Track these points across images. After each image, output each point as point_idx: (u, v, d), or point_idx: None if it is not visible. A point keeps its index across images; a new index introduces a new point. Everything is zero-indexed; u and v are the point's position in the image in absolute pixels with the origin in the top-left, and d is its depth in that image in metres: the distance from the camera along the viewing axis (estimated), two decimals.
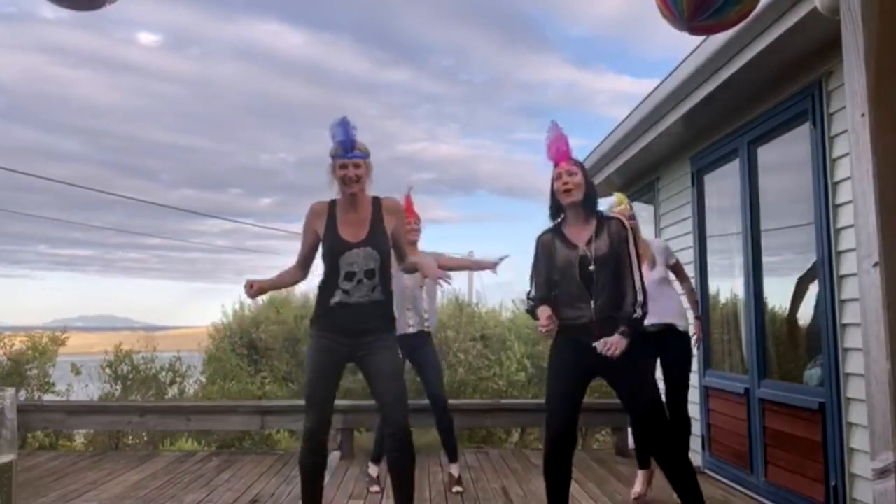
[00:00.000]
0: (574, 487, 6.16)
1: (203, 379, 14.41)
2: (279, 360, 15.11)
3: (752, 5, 3.27)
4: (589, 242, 4.33)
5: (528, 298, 4.48)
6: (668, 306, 5.54)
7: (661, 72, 6.46)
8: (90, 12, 3.60)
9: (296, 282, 4.78)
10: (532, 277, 4.49)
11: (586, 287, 4.28)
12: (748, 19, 3.54)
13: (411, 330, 6.07)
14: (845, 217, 4.68)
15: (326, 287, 4.46)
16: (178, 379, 13.39)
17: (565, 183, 4.35)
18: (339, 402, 8.71)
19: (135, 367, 12.96)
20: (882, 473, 2.81)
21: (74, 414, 8.42)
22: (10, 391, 3.39)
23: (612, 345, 4.07)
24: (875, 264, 2.85)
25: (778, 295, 5.89)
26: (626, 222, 4.46)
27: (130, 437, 11.74)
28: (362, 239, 4.39)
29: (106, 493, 6.10)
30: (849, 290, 4.66)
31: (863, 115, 2.94)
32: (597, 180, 8.87)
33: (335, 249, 4.41)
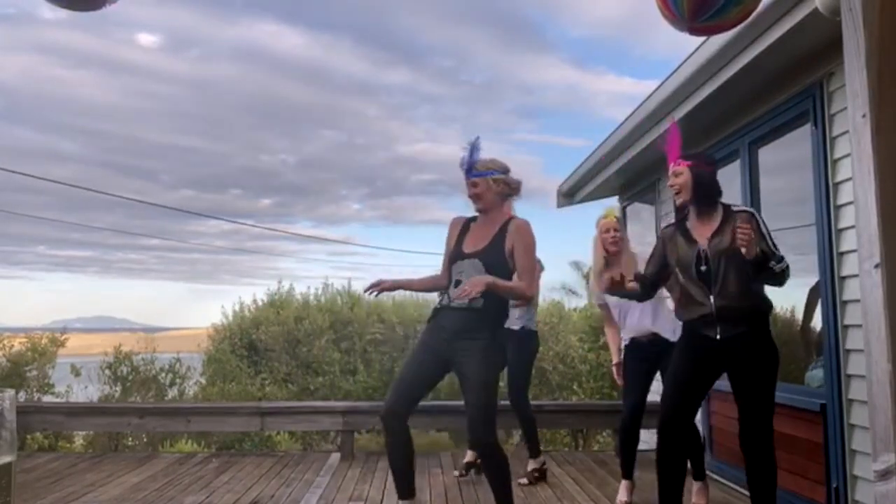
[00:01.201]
0: (574, 488, 6.19)
1: (203, 380, 14.45)
2: (279, 361, 15.13)
3: (753, 6, 3.26)
4: (712, 237, 4.37)
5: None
6: (663, 325, 5.53)
7: (661, 73, 6.44)
8: (89, 13, 3.59)
9: (437, 287, 4.80)
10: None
11: (704, 283, 4.34)
12: (749, 20, 3.53)
13: (514, 326, 6.27)
14: (846, 218, 4.66)
15: (442, 292, 4.70)
16: (177, 380, 13.43)
17: (671, 185, 4.51)
18: (337, 404, 8.77)
19: (134, 369, 12.99)
20: (884, 475, 2.80)
21: (74, 415, 8.40)
22: (10, 392, 3.37)
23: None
24: (876, 265, 2.84)
25: (779, 296, 5.87)
26: (755, 217, 4.41)
27: (130, 439, 11.76)
28: (478, 250, 4.53)
29: (105, 494, 6.09)
30: (850, 291, 4.65)
31: (864, 115, 2.93)
32: (597, 181, 8.87)
33: (451, 257, 4.65)
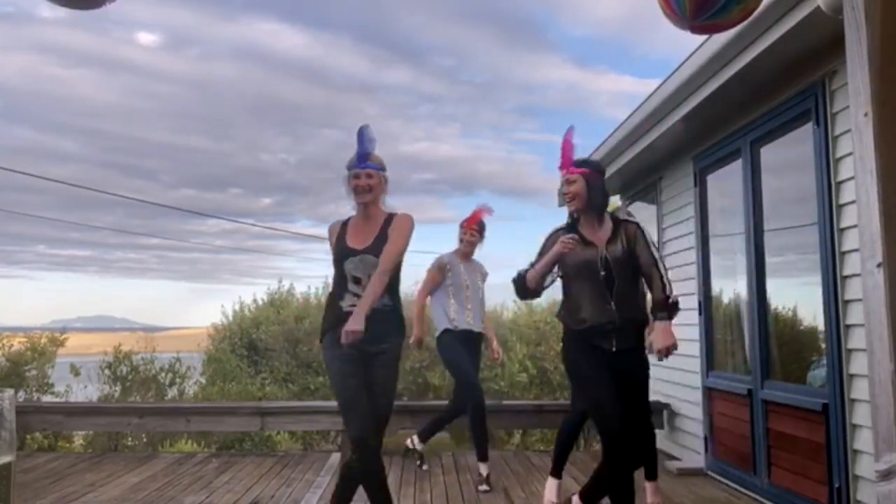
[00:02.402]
0: (575, 488, 6.14)
1: (203, 380, 14.42)
2: (279, 360, 15.10)
3: (754, 4, 3.25)
4: (608, 243, 4.41)
5: (519, 273, 4.54)
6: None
7: (662, 72, 6.45)
8: (88, 12, 3.58)
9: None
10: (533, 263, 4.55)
11: (608, 287, 4.35)
12: (751, 18, 3.52)
13: (477, 329, 6.65)
14: (849, 217, 4.65)
15: (337, 293, 4.51)
16: (177, 380, 13.40)
17: (566, 193, 4.52)
18: (336, 404, 8.74)
19: (134, 368, 12.97)
20: (886, 475, 2.80)
21: (73, 415, 8.39)
22: (9, 392, 3.36)
23: (665, 336, 4.20)
24: (878, 265, 2.84)
25: (781, 295, 5.87)
26: (641, 227, 4.52)
27: (130, 439, 11.74)
28: (367, 246, 4.45)
29: (105, 494, 6.08)
30: (852, 290, 4.64)
31: (866, 114, 2.92)
32: None
33: (340, 254, 4.50)
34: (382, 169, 4.55)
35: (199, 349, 16.03)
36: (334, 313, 4.48)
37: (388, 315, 4.45)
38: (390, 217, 4.56)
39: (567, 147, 4.58)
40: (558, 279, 4.60)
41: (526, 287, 4.52)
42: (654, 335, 4.27)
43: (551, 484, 5.68)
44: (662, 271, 4.37)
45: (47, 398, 12.01)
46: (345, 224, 4.63)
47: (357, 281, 4.43)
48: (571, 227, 4.49)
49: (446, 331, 6.56)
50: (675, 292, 4.36)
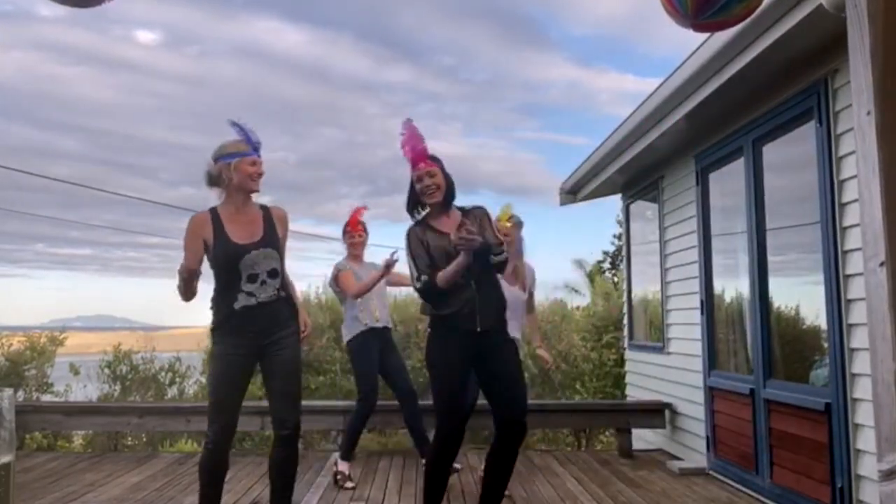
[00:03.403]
0: (577, 488, 6.16)
1: (203, 379, 14.39)
2: None
3: (756, 2, 3.24)
4: (458, 230, 4.40)
5: (419, 281, 4.50)
6: (516, 326, 5.73)
7: (664, 70, 6.43)
8: (87, 9, 3.57)
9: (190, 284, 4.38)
10: (415, 265, 4.53)
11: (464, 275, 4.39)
12: (753, 16, 3.51)
13: (379, 325, 6.62)
14: (851, 216, 4.64)
15: (227, 292, 4.36)
16: (177, 379, 13.39)
17: (427, 186, 4.52)
18: (336, 403, 8.75)
19: (134, 368, 12.96)
20: (889, 475, 2.79)
21: (73, 415, 8.38)
22: (8, 392, 3.34)
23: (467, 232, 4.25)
24: (881, 263, 2.83)
25: (783, 294, 5.86)
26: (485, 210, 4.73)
27: (129, 439, 11.73)
28: (258, 240, 4.37)
29: (105, 494, 6.06)
30: (855, 289, 4.63)
31: (869, 112, 2.91)
32: (599, 179, 8.86)
33: (231, 254, 4.31)
34: None
35: (199, 348, 16.00)
36: (225, 314, 4.37)
37: (286, 302, 4.51)
38: (263, 207, 4.52)
39: (418, 138, 4.60)
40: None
41: (439, 290, 4.45)
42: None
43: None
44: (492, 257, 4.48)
45: (47, 398, 12.00)
46: (215, 217, 4.40)
47: (254, 278, 4.34)
48: (423, 221, 4.60)
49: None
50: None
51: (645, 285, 9.16)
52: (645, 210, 8.97)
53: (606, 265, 20.25)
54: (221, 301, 4.38)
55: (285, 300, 4.47)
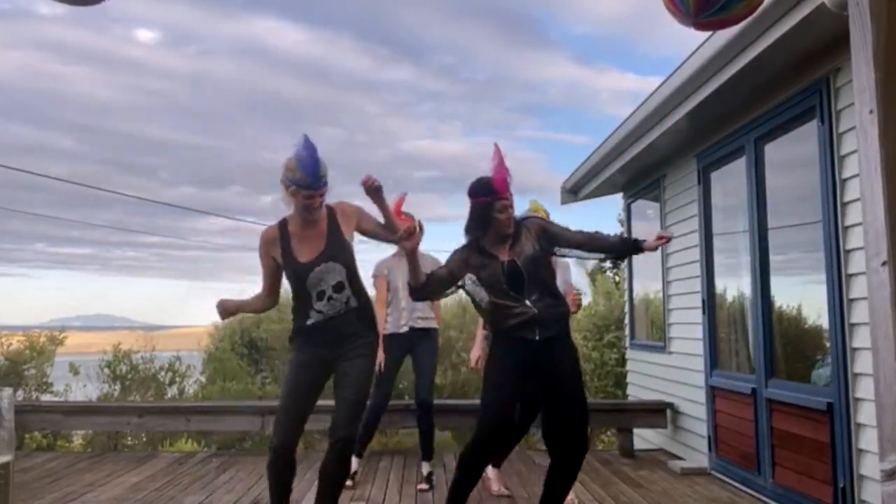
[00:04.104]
0: (578, 488, 6.14)
1: (203, 379, 14.41)
2: (280, 359, 15.09)
3: (758, 1, 3.23)
4: (512, 247, 4.44)
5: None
6: None
7: (665, 69, 6.42)
8: (87, 8, 3.56)
9: (266, 308, 4.74)
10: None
11: (517, 290, 4.39)
12: (754, 15, 3.49)
13: (404, 329, 6.41)
14: (853, 215, 4.62)
15: (300, 307, 4.45)
16: (177, 379, 13.41)
17: (508, 218, 4.45)
18: None
19: (133, 367, 12.97)
20: (891, 475, 2.78)
21: (72, 414, 8.37)
22: (8, 391, 3.33)
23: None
24: (884, 263, 2.82)
25: (785, 294, 5.84)
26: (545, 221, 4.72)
27: (129, 438, 11.73)
28: (320, 254, 4.34)
29: (104, 494, 6.05)
30: (857, 288, 4.61)
31: (871, 111, 2.91)
32: (600, 179, 8.86)
33: (298, 274, 4.36)
34: (327, 181, 4.33)
35: (199, 348, 16.04)
36: (299, 327, 4.48)
37: (357, 313, 4.46)
38: (330, 211, 4.44)
39: (505, 168, 4.50)
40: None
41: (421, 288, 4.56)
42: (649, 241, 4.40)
43: (496, 473, 5.99)
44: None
45: (46, 397, 12.02)
46: (284, 233, 4.44)
47: (322, 296, 4.37)
48: (473, 244, 4.55)
49: None
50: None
51: (646, 284, 9.15)
52: (646, 209, 8.95)
53: (608, 264, 20.23)
54: (296, 314, 4.48)
55: (356, 310, 4.43)
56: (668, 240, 4.43)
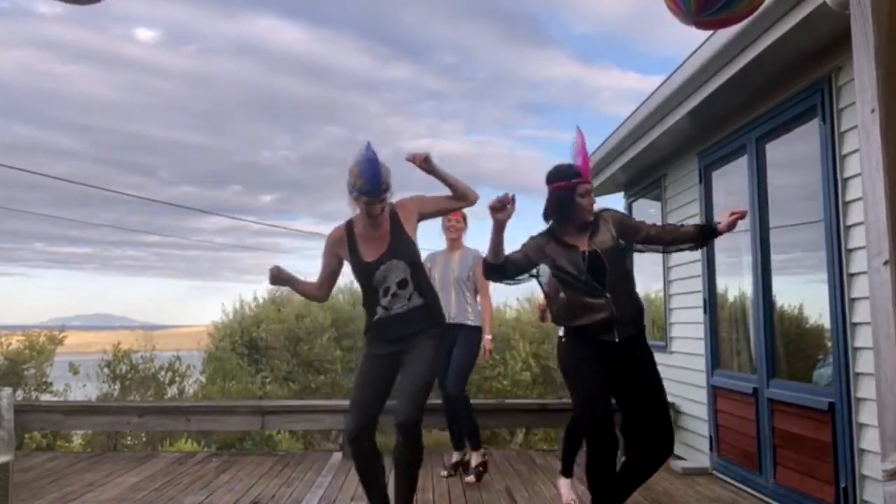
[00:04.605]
0: (579, 488, 6.12)
1: (203, 378, 14.39)
2: (280, 359, 15.08)
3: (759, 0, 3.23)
4: (591, 237, 4.35)
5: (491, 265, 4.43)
6: None
7: (666, 68, 6.41)
8: (86, 7, 3.55)
9: (314, 298, 4.92)
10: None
11: (598, 282, 4.28)
12: (756, 13, 3.49)
13: (469, 321, 6.43)
14: (855, 214, 4.61)
15: (369, 304, 4.65)
16: (177, 378, 13.38)
17: (590, 203, 4.40)
18: (339, 403, 8.72)
19: (133, 367, 12.95)
20: (893, 475, 2.78)
21: (72, 414, 8.36)
22: (7, 391, 3.33)
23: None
24: (885, 262, 2.83)
25: (787, 293, 5.83)
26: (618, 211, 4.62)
27: (129, 438, 11.71)
28: (384, 252, 4.49)
29: (104, 494, 6.04)
30: (859, 288, 4.59)
31: (873, 110, 2.91)
32: (602, 177, 8.84)
33: (364, 272, 4.55)
34: (390, 186, 4.45)
35: (199, 347, 16.02)
36: (368, 323, 4.70)
37: (422, 311, 4.58)
38: (392, 210, 4.57)
39: (587, 154, 4.48)
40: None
41: (494, 266, 4.44)
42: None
43: (567, 483, 5.75)
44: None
45: (46, 397, 11.99)
46: (350, 233, 4.62)
47: (386, 292, 4.53)
48: (549, 232, 4.49)
49: None
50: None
51: (647, 284, 9.14)
52: (647, 208, 8.93)
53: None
54: (366, 310, 4.69)
55: (420, 308, 4.56)
56: (743, 215, 4.31)
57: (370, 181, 4.34)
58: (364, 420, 4.48)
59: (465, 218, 6.64)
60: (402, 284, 4.49)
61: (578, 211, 4.37)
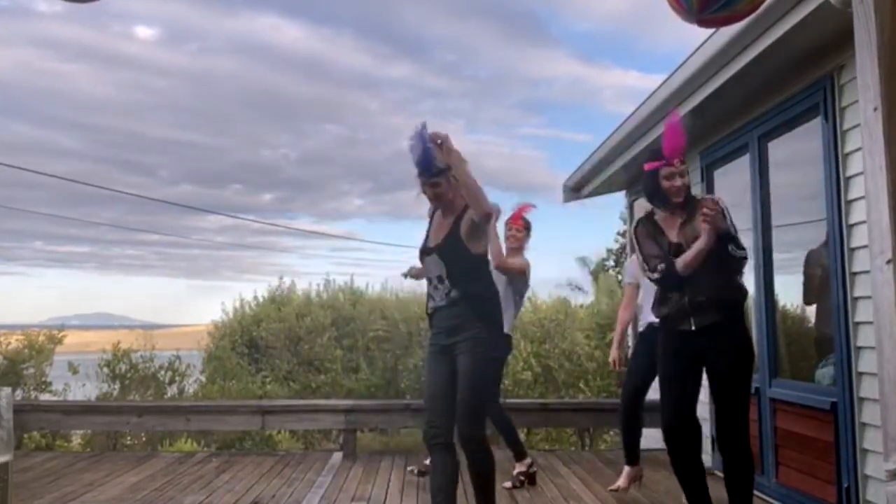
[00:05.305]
0: (580, 488, 6.12)
1: (203, 378, 14.39)
2: (280, 358, 15.09)
3: None
4: (682, 227, 4.36)
5: (657, 271, 4.38)
6: None
7: (668, 67, 6.38)
8: (85, 5, 3.53)
9: None
10: (647, 258, 4.44)
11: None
12: (758, 11, 3.47)
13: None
14: (858, 213, 4.59)
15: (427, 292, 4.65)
16: (177, 378, 13.37)
17: (678, 186, 4.35)
18: (340, 402, 8.72)
19: (133, 366, 12.94)
20: (895, 475, 2.76)
21: (71, 414, 8.36)
22: (6, 391, 3.31)
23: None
24: (888, 261, 2.82)
25: (789, 292, 5.81)
26: (720, 201, 4.42)
27: (129, 438, 11.70)
28: (436, 245, 4.49)
29: (103, 494, 6.02)
30: (861, 287, 4.57)
31: (875, 108, 2.91)
32: (603, 176, 8.82)
33: (420, 253, 4.63)
34: (447, 169, 4.33)
35: (199, 347, 16.02)
36: (427, 311, 4.65)
37: (461, 307, 4.41)
38: (465, 208, 4.40)
39: (679, 133, 4.43)
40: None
41: (679, 277, 4.36)
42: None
43: (627, 470, 5.91)
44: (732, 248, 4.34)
45: (45, 397, 11.99)
46: (433, 214, 4.68)
47: (430, 280, 4.54)
48: (650, 217, 4.53)
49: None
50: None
51: None
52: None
53: (610, 263, 20.25)
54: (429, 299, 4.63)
55: (459, 302, 4.37)
56: (706, 216, 4.22)
57: (418, 160, 4.33)
58: (438, 415, 4.37)
59: (527, 227, 6.40)
60: (439, 280, 4.45)
61: (664, 194, 4.37)
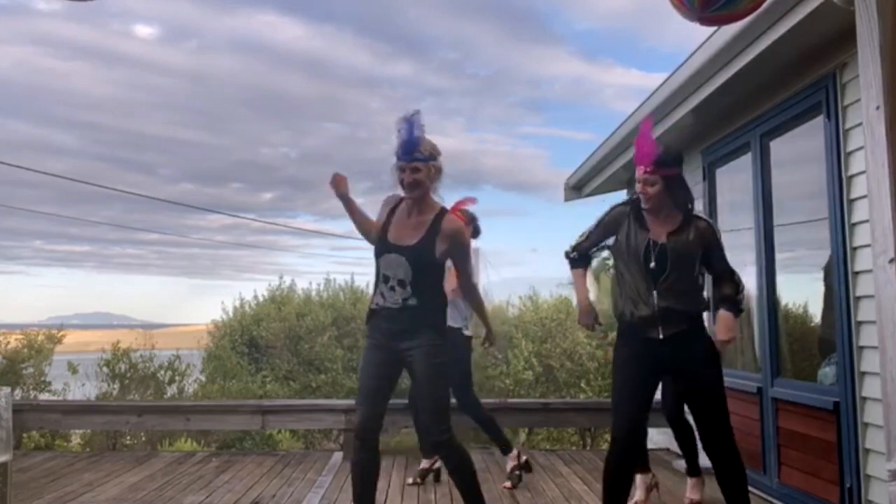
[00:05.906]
0: (582, 488, 6.12)
1: (203, 377, 14.39)
2: (280, 358, 15.09)
3: None
4: (671, 234, 4.25)
5: (570, 247, 4.52)
6: None
7: (670, 65, 6.37)
8: (84, 3, 3.53)
9: (364, 230, 4.55)
10: (584, 235, 4.52)
11: (653, 278, 4.22)
12: (760, 9, 3.47)
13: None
14: (860, 212, 4.57)
15: (374, 286, 4.46)
16: (177, 377, 13.36)
17: (644, 192, 4.29)
18: (340, 402, 8.71)
19: (133, 366, 12.92)
20: None
21: (71, 414, 8.34)
22: (6, 390, 3.29)
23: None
24: (891, 260, 2.83)
25: (791, 291, 5.80)
26: (714, 228, 4.43)
27: (128, 438, 11.70)
28: (406, 245, 4.28)
29: (103, 494, 6.01)
30: (864, 286, 4.56)
31: (878, 107, 2.91)
32: (604, 175, 8.81)
33: (378, 249, 4.38)
34: (431, 158, 4.28)
35: (198, 346, 16.01)
36: (369, 308, 4.47)
37: (413, 312, 4.31)
38: (440, 215, 4.34)
39: (647, 139, 4.44)
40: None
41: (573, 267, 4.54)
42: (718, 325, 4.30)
43: (690, 482, 5.76)
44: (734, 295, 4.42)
45: (44, 396, 11.97)
46: (396, 207, 4.44)
47: (386, 280, 4.31)
48: (635, 204, 4.40)
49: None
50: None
51: None
52: None
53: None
54: (373, 292, 4.49)
55: (413, 308, 4.27)
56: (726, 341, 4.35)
57: (403, 142, 4.22)
58: (370, 412, 4.32)
59: (471, 220, 6.34)
60: (401, 283, 4.26)
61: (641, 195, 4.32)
